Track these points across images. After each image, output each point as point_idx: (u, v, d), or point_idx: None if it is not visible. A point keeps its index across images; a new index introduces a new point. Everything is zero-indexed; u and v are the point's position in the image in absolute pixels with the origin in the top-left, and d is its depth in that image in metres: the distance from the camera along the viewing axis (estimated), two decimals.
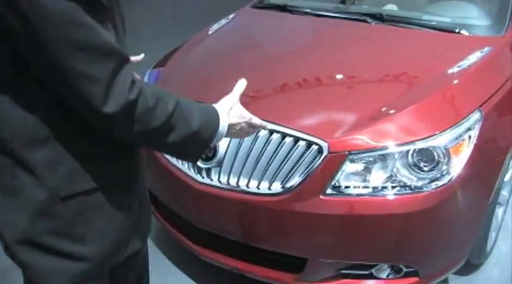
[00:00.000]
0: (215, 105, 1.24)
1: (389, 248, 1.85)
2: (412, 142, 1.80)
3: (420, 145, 1.80)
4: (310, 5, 2.85)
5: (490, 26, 2.45)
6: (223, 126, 1.20)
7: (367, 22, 2.58)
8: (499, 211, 2.40)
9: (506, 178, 2.28)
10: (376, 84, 2.16)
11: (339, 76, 2.25)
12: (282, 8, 2.89)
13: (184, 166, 2.06)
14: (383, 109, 1.90)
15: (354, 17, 2.64)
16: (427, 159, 1.80)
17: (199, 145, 1.17)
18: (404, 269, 1.90)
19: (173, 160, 2.12)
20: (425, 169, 1.80)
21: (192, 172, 2.02)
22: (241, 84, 1.34)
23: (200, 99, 2.07)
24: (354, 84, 2.18)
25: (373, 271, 1.90)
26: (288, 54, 2.48)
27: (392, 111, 1.89)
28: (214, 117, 1.20)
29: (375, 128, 1.83)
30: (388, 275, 1.92)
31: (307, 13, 2.80)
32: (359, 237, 1.84)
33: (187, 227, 2.19)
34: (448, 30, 2.42)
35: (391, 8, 2.79)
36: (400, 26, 2.51)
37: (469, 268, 2.30)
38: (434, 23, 2.49)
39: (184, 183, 2.03)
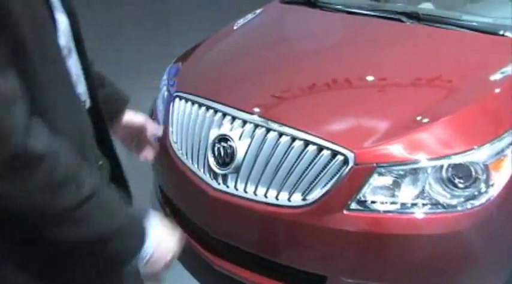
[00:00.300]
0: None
1: (417, 270, 1.73)
2: (447, 156, 1.66)
3: (456, 160, 1.65)
4: (341, 1, 2.72)
5: None
6: (153, 237, 0.93)
7: (402, 21, 2.43)
8: None
9: None
10: (409, 89, 2.02)
11: (370, 79, 2.11)
12: (312, 4, 2.76)
13: (200, 171, 1.97)
14: (417, 118, 1.75)
15: (387, 16, 2.49)
16: (463, 175, 1.66)
17: (115, 255, 0.87)
18: None
19: (187, 160, 2.02)
20: (461, 186, 1.66)
21: (207, 177, 1.92)
22: None
23: (219, 99, 2.03)
24: (385, 88, 2.05)
25: None
26: (316, 53, 2.35)
27: (426, 120, 1.75)
28: (142, 225, 0.92)
29: (407, 139, 1.70)
30: None
31: (338, 10, 2.67)
32: (384, 257, 1.72)
33: (200, 234, 2.09)
34: (490, 31, 2.25)
35: (427, 6, 2.63)
36: (437, 27, 2.34)
37: None
38: (474, 24, 2.32)
39: (198, 187, 1.94)
